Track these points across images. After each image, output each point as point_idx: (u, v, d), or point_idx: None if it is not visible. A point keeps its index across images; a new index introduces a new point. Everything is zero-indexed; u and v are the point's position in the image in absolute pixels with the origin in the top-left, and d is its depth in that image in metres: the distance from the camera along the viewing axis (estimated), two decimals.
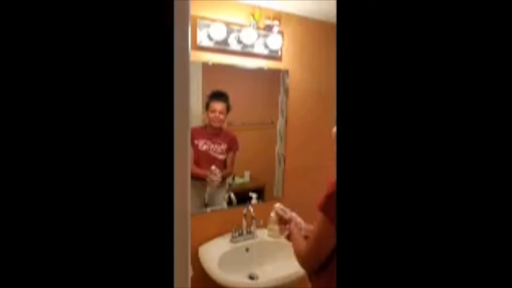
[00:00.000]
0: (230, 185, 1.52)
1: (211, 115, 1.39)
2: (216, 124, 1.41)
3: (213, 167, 1.41)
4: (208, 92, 1.36)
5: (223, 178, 1.46)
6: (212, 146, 1.44)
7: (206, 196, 1.44)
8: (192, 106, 1.34)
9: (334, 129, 0.78)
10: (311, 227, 0.88)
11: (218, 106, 1.39)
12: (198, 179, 1.41)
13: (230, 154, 1.49)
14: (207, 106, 1.39)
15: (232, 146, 1.49)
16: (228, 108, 1.41)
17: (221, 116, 1.40)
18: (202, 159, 1.43)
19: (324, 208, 0.71)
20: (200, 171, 1.41)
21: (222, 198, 1.49)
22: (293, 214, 0.99)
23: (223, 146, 1.46)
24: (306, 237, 0.86)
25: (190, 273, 0.45)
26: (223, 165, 1.48)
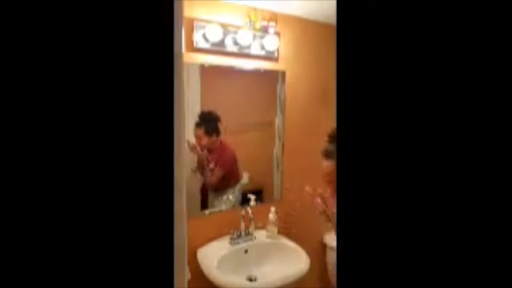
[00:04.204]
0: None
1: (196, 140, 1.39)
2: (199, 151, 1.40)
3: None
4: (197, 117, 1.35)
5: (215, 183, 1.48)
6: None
7: (230, 199, 1.50)
8: (193, 109, 1.34)
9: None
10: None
11: (197, 132, 1.37)
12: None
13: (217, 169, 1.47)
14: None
15: (220, 161, 1.46)
16: (212, 131, 1.40)
17: (202, 142, 1.39)
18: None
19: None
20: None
21: (236, 198, 1.52)
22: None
23: (212, 165, 1.45)
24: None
25: (188, 275, 0.44)
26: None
